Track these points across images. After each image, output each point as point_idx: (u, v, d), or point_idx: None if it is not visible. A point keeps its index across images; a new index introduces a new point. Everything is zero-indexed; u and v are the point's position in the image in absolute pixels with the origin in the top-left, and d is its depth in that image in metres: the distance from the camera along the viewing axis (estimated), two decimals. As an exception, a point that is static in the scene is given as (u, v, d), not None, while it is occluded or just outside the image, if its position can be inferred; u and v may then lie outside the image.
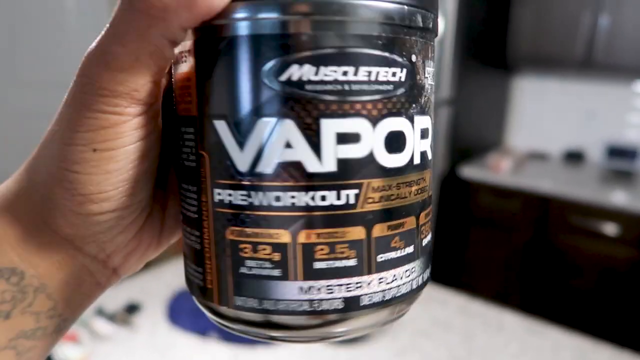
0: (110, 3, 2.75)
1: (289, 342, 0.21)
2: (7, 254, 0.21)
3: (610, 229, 2.02)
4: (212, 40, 0.19)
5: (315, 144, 0.18)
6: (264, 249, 0.19)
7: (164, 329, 1.03)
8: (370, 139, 0.19)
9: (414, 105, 0.20)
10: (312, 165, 0.18)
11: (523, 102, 2.74)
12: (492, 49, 2.46)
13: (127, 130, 0.19)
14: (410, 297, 0.21)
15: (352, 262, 0.19)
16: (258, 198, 0.19)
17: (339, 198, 0.19)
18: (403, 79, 0.19)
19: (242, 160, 0.19)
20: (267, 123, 0.18)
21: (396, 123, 0.19)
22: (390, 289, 0.20)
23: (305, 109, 0.18)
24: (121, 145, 0.19)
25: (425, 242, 0.22)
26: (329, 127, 0.18)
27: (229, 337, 0.98)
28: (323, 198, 0.18)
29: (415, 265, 0.21)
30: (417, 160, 0.20)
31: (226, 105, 0.19)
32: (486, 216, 2.34)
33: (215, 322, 0.22)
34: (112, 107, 0.18)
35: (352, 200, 0.19)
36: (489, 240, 2.35)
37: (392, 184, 0.19)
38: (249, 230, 0.19)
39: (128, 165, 0.20)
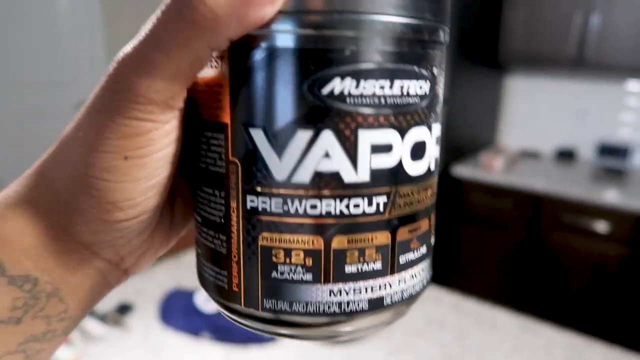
0: (103, 4, 2.73)
1: (304, 340, 0.22)
2: (21, 262, 0.20)
3: (601, 226, 2.03)
4: (251, 49, 0.19)
5: (352, 155, 0.19)
6: (298, 254, 0.20)
7: (156, 329, 1.02)
8: (400, 149, 0.20)
9: (432, 115, 0.21)
10: (349, 175, 0.19)
11: (515, 101, 2.75)
12: (484, 48, 2.47)
13: (158, 137, 0.19)
14: (420, 294, 0.23)
15: (378, 265, 0.20)
16: (294, 206, 0.19)
17: (370, 205, 0.19)
18: (427, 92, 0.20)
19: (279, 169, 0.19)
20: (308, 133, 0.19)
21: (420, 133, 0.20)
22: (407, 288, 0.21)
23: (345, 121, 0.19)
24: (152, 152, 0.19)
25: (433, 240, 0.23)
26: (366, 139, 0.19)
27: (221, 337, 0.98)
28: (356, 206, 0.19)
29: (427, 264, 0.23)
30: (432, 167, 0.22)
31: (264, 115, 0.19)
32: (479, 215, 2.35)
33: (233, 321, 0.22)
34: (146, 115, 0.18)
35: (381, 208, 0.20)
36: (482, 239, 2.36)
37: (415, 190, 0.21)
38: (283, 236, 0.20)
39: (156, 171, 0.20)
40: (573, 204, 2.08)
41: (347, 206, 0.19)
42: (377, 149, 0.19)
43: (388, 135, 0.19)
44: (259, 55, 0.18)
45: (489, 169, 2.31)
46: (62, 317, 0.22)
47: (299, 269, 0.20)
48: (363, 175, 0.19)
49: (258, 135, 0.19)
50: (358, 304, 0.20)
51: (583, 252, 2.09)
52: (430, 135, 0.21)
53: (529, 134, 2.73)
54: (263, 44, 0.18)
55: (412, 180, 0.20)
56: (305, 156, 0.19)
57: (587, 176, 2.27)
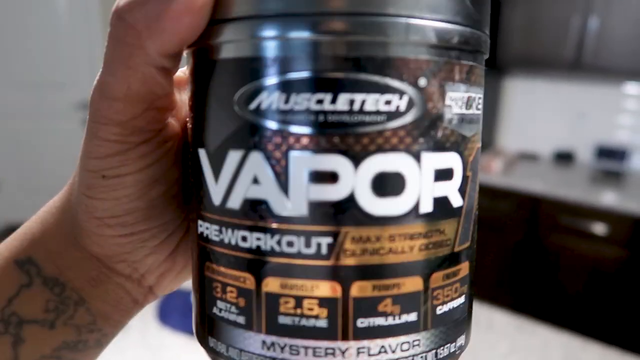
0: (102, 5, 2.73)
1: None
2: (51, 265, 0.21)
3: (599, 228, 2.04)
4: (199, 63, 0.18)
5: (283, 182, 0.16)
6: (232, 292, 0.17)
7: (155, 328, 1.02)
8: (351, 180, 0.16)
9: (421, 139, 0.16)
10: (279, 206, 0.16)
11: (514, 103, 2.76)
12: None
13: (131, 158, 0.19)
14: None
15: (322, 323, 0.16)
16: (227, 235, 0.17)
17: (308, 246, 0.16)
18: (402, 108, 0.16)
19: (215, 192, 0.17)
20: (238, 154, 0.16)
21: (389, 161, 0.16)
22: None
23: (274, 141, 0.16)
24: (127, 172, 0.19)
25: (441, 310, 0.18)
26: (299, 164, 0.16)
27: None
28: (290, 244, 0.16)
29: (421, 338, 0.17)
30: (426, 208, 0.17)
31: (206, 134, 0.18)
32: (478, 216, 2.35)
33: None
34: (113, 136, 0.19)
35: (324, 251, 0.16)
36: (480, 240, 2.36)
37: (382, 235, 0.16)
38: (220, 269, 0.18)
39: (139, 191, 0.20)
40: (571, 206, 2.09)
41: (279, 243, 0.16)
42: (316, 177, 0.16)
43: (331, 161, 0.15)
44: (204, 69, 0.17)
45: (487, 171, 2.31)
46: (92, 328, 0.22)
47: (233, 309, 0.17)
48: (297, 208, 0.16)
49: (203, 156, 0.18)
50: None
51: (581, 254, 2.09)
52: (416, 165, 0.16)
53: (527, 136, 2.73)
54: (201, 58, 0.17)
55: (375, 222, 0.16)
56: (235, 180, 0.17)
57: (585, 178, 2.28)
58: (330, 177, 0.16)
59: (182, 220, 0.23)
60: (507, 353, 0.99)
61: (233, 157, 0.17)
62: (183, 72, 0.22)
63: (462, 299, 0.19)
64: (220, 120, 0.17)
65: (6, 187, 2.85)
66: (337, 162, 0.16)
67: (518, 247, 2.26)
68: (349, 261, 0.16)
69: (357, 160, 0.16)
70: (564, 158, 2.57)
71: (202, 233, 0.18)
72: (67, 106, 2.83)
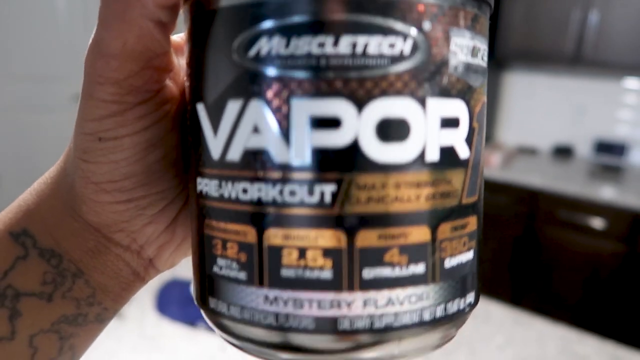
0: (100, -6, 2.72)
1: (247, 353, 0.18)
2: (47, 236, 0.21)
3: (597, 223, 2.04)
4: (196, 16, 0.17)
5: (284, 130, 0.15)
6: (232, 247, 0.17)
7: (153, 318, 1.02)
8: (354, 125, 0.15)
9: (426, 84, 0.16)
10: (281, 154, 0.16)
11: (513, 97, 2.75)
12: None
13: (129, 119, 0.19)
14: (421, 330, 0.17)
15: (326, 275, 0.16)
16: (227, 189, 0.17)
17: (311, 195, 0.16)
18: (407, 53, 0.15)
19: (215, 145, 0.17)
20: (237, 104, 0.16)
21: (394, 106, 0.15)
22: (382, 315, 0.16)
23: (275, 88, 0.15)
24: (124, 134, 0.19)
25: (449, 263, 0.17)
26: (301, 110, 0.15)
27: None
28: (292, 193, 0.16)
29: (429, 291, 0.17)
30: (432, 157, 0.16)
31: (205, 87, 0.17)
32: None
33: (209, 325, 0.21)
34: (110, 96, 0.18)
35: (327, 199, 0.15)
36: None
37: (387, 182, 0.16)
38: (219, 224, 0.17)
39: (136, 154, 0.20)
40: (569, 200, 2.09)
41: (281, 192, 0.16)
42: (318, 123, 0.15)
43: (334, 106, 0.15)
44: (201, 21, 0.17)
45: (486, 165, 2.31)
46: (91, 301, 0.22)
47: (234, 264, 0.17)
48: (299, 155, 0.15)
49: (201, 110, 0.17)
50: (300, 321, 0.16)
51: (579, 249, 2.10)
52: (421, 111, 0.16)
53: (527, 130, 2.73)
54: (198, 9, 0.17)
55: (380, 169, 0.16)
56: (235, 131, 0.16)
57: (584, 173, 2.28)
58: (333, 123, 0.15)
59: (181, 190, 0.22)
60: (503, 345, 1.00)
61: (232, 107, 0.16)
62: (180, 37, 0.22)
63: (470, 254, 0.18)
64: (218, 70, 0.17)
65: (5, 180, 2.85)
66: (339, 107, 0.15)
67: (516, 241, 2.26)
68: (353, 209, 0.16)
69: (360, 104, 0.15)
70: (563, 152, 2.57)
71: (201, 191, 0.18)
72: (66, 99, 2.83)
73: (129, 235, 0.22)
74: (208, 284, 0.18)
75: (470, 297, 0.18)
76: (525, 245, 2.24)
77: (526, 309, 2.24)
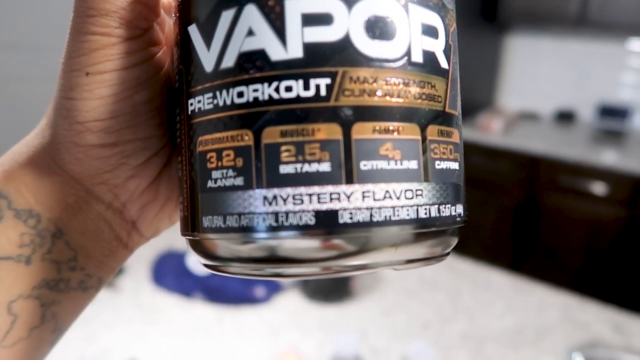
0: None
1: (244, 274, 0.18)
2: (23, 196, 0.20)
3: (599, 188, 2.02)
4: None
5: (279, 28, 0.16)
6: (228, 155, 0.17)
7: (149, 290, 1.02)
8: (345, 21, 0.16)
9: None
10: (276, 51, 0.16)
11: (515, 61, 2.70)
12: (484, 5, 2.41)
13: (117, 53, 0.19)
14: (416, 226, 0.17)
15: (325, 167, 0.16)
16: (222, 97, 0.17)
17: (307, 88, 0.16)
18: None
19: (208, 59, 0.18)
20: (230, 13, 0.17)
21: (380, 6, 0.17)
22: (382, 208, 0.16)
23: None
24: (112, 68, 0.19)
25: (439, 166, 0.18)
26: (294, 8, 0.16)
27: (213, 298, 0.97)
28: (288, 89, 0.16)
29: (422, 189, 0.17)
30: (417, 58, 0.17)
31: (195, 6, 0.18)
32: (477, 176, 2.33)
33: (196, 258, 0.21)
34: (100, 28, 0.19)
35: (323, 92, 0.16)
36: (479, 200, 2.35)
37: (378, 77, 0.17)
38: (214, 136, 0.18)
39: (123, 92, 0.20)
40: (571, 166, 2.07)
41: (277, 89, 0.16)
42: (311, 19, 0.16)
43: (325, 3, 0.16)
44: None
45: (486, 130, 2.28)
46: (73, 265, 0.21)
47: (230, 172, 0.17)
48: (294, 51, 0.16)
49: (193, 31, 0.18)
50: (301, 217, 0.16)
51: (580, 214, 2.09)
52: (405, 14, 0.17)
53: (529, 95, 2.69)
54: None
55: (371, 63, 0.17)
56: (229, 38, 0.17)
57: (586, 138, 2.25)
58: (326, 19, 0.16)
59: (164, 144, 0.22)
60: (503, 312, 0.99)
61: (226, 16, 0.17)
62: None
63: (456, 165, 0.19)
64: None
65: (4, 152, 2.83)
66: (331, 5, 0.16)
67: (516, 207, 2.25)
68: (348, 101, 0.16)
69: (350, 3, 0.16)
70: (565, 117, 2.53)
71: (193, 110, 0.18)
72: (58, 68, 2.79)
73: (111, 190, 0.21)
74: (201, 206, 0.18)
75: (460, 209, 0.19)
76: (525, 211, 2.23)
77: (527, 276, 2.24)
